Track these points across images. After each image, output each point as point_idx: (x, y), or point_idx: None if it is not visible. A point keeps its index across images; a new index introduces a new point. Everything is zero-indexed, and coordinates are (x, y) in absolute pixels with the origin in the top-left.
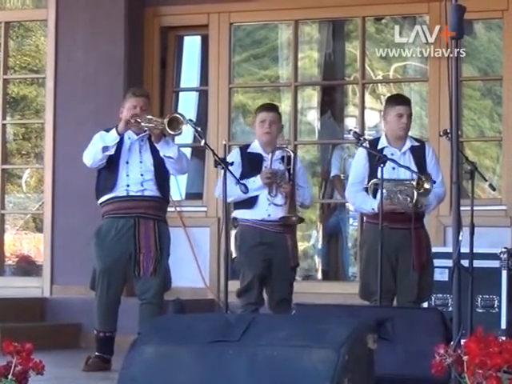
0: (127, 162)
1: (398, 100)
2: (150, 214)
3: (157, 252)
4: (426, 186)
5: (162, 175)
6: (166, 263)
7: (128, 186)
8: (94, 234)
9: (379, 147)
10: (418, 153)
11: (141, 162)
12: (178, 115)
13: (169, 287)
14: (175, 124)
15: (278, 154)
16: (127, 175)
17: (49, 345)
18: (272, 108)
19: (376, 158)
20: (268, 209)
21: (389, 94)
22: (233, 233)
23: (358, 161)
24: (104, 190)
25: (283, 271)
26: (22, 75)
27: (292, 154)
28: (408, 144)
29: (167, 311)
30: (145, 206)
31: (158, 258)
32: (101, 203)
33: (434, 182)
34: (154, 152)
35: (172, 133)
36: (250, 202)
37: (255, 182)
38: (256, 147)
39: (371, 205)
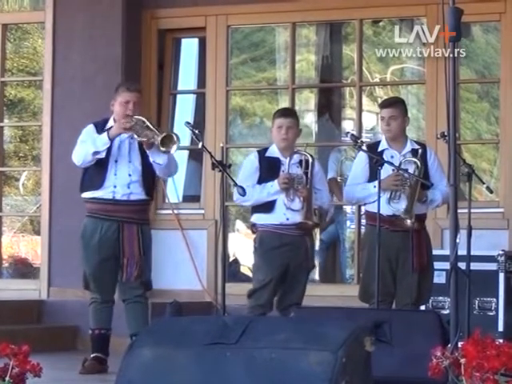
0: (116, 161)
1: (381, 103)
2: (134, 219)
3: (140, 257)
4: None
5: (148, 175)
6: (149, 266)
7: (115, 187)
8: (80, 236)
9: (379, 149)
10: (419, 156)
11: (129, 162)
12: (172, 134)
13: (150, 288)
14: (168, 141)
15: (296, 157)
16: (115, 174)
17: (46, 347)
18: (289, 113)
19: (374, 160)
20: (286, 213)
21: (386, 97)
22: (233, 236)
23: (359, 163)
24: (90, 186)
25: (299, 274)
26: (19, 77)
27: (310, 158)
28: (408, 147)
29: (164, 313)
30: (130, 211)
31: (143, 264)
32: (85, 198)
33: (432, 185)
34: (143, 152)
35: (163, 149)
36: (267, 207)
37: (273, 187)
38: (274, 151)
39: (373, 184)
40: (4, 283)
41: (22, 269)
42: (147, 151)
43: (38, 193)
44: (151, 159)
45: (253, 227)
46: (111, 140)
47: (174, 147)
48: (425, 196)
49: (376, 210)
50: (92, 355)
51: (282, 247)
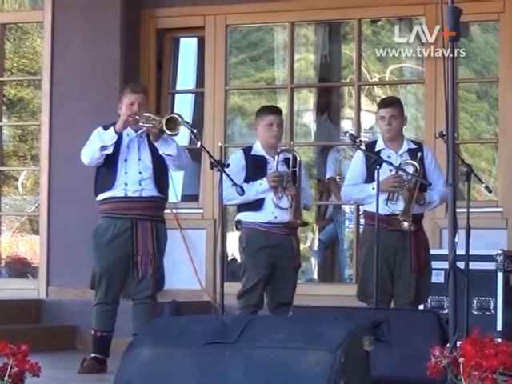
0: (125, 160)
1: (380, 103)
2: (148, 216)
3: (154, 254)
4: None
5: (160, 173)
6: (161, 264)
7: (126, 184)
8: (92, 234)
9: (376, 149)
10: (416, 155)
11: (139, 160)
12: (175, 115)
13: (161, 288)
14: (173, 124)
15: (282, 156)
16: (125, 173)
17: (45, 347)
18: (279, 111)
19: (372, 160)
20: (274, 211)
21: (384, 96)
22: (232, 235)
23: (356, 163)
24: (102, 187)
25: (287, 273)
26: (18, 77)
27: (298, 157)
28: (405, 146)
29: (163, 313)
30: (143, 208)
31: (157, 260)
32: (99, 201)
33: (430, 184)
34: (153, 149)
35: (169, 133)
36: (256, 205)
37: (262, 185)
38: (259, 149)
39: (371, 185)
40: (3, 283)
41: (21, 268)
42: (156, 144)
43: (37, 192)
44: (161, 152)
45: (238, 224)
46: (117, 133)
47: (181, 127)
48: (423, 198)
49: (374, 210)
50: (92, 355)
51: (269, 247)
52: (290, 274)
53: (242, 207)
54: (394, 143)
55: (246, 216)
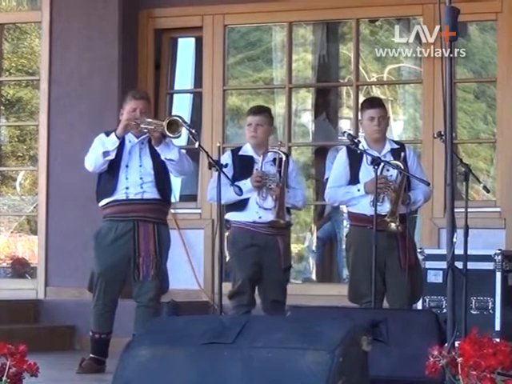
0: (127, 166)
1: (368, 103)
2: (150, 218)
3: (156, 256)
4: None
5: (161, 178)
6: (165, 266)
7: (127, 188)
8: (93, 236)
9: (359, 150)
10: (399, 155)
11: (140, 166)
12: (177, 118)
13: (166, 290)
14: (174, 126)
15: (270, 156)
16: (126, 178)
17: (43, 347)
18: (258, 111)
19: (370, 159)
20: (258, 211)
21: (382, 96)
22: (225, 235)
23: (339, 164)
24: (104, 193)
25: (274, 273)
26: (16, 77)
27: (284, 157)
28: (387, 147)
29: (161, 313)
30: (144, 210)
31: (158, 262)
32: (101, 206)
33: (429, 184)
34: (154, 155)
35: (171, 135)
36: (240, 205)
37: (245, 185)
38: (248, 149)
39: (356, 187)
40: (1, 283)
41: (19, 268)
42: (157, 149)
43: (35, 192)
44: (163, 157)
45: (226, 223)
46: (119, 138)
47: (182, 129)
48: (408, 198)
49: (359, 211)
50: (90, 355)
51: (254, 247)
52: (277, 274)
53: (229, 207)
54: (378, 144)
55: (232, 215)
